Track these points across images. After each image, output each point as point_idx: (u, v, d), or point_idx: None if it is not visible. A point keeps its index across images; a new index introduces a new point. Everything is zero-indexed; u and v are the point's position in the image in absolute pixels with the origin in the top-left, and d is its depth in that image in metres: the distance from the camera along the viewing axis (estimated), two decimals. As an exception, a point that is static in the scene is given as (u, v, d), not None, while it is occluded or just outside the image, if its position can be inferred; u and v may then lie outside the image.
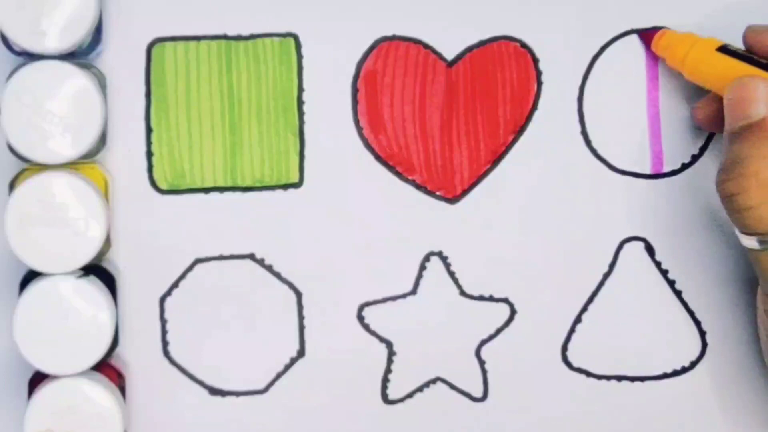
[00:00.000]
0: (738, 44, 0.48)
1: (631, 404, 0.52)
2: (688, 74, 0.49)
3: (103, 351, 0.46)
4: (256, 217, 0.50)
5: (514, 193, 0.51)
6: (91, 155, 0.48)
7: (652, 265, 0.52)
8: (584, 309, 0.51)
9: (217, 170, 0.50)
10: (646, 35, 0.50)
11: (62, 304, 0.46)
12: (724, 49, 0.48)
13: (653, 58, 0.51)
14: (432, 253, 0.51)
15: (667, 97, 0.51)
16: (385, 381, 0.51)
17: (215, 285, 0.50)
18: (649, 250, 0.52)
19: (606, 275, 0.51)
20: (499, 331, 0.51)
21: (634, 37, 0.51)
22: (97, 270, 0.48)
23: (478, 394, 0.52)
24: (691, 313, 0.52)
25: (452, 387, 0.51)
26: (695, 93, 0.51)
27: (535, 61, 0.51)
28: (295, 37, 0.50)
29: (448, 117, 0.51)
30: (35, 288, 0.46)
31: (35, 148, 0.45)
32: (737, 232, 0.46)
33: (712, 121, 0.49)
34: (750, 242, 0.45)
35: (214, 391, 0.51)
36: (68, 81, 0.45)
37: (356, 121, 0.50)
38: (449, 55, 0.51)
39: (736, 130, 0.45)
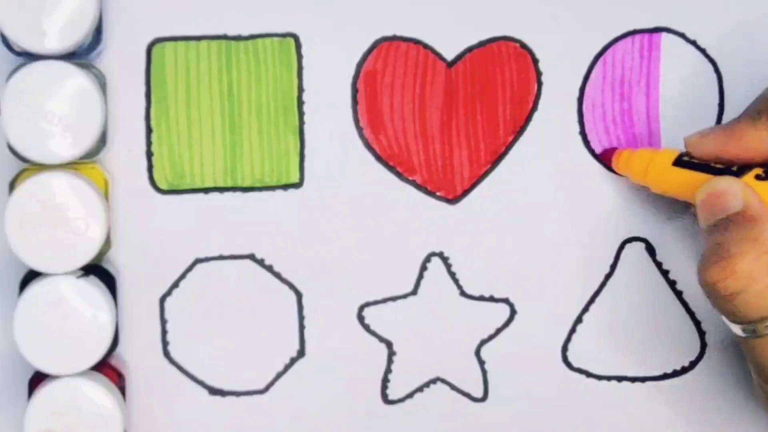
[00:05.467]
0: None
1: (631, 404, 0.52)
2: (654, 189, 0.49)
3: (103, 351, 0.46)
4: (256, 217, 0.50)
5: (514, 194, 0.51)
6: (91, 155, 0.48)
7: (653, 266, 0.52)
8: (585, 309, 0.51)
9: (217, 170, 0.50)
10: (604, 155, 0.50)
11: (62, 304, 0.46)
12: (680, 161, 0.47)
13: (653, 59, 0.51)
14: (433, 254, 0.51)
15: (666, 98, 0.51)
16: (385, 381, 0.51)
17: (215, 285, 0.50)
18: (650, 250, 0.52)
19: (607, 276, 0.51)
20: (499, 331, 0.51)
21: (635, 37, 0.51)
22: (97, 270, 0.48)
23: (478, 394, 0.51)
24: (691, 314, 0.52)
25: (452, 387, 0.51)
26: (695, 97, 0.51)
27: (535, 61, 0.51)
28: (295, 37, 0.50)
29: (448, 117, 0.51)
30: (35, 288, 0.46)
31: (35, 148, 0.45)
32: (725, 320, 0.45)
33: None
34: (736, 330, 0.45)
35: (214, 391, 0.51)
36: (68, 81, 0.45)
37: (356, 121, 0.50)
38: (449, 56, 0.51)
39: (715, 223, 0.45)
